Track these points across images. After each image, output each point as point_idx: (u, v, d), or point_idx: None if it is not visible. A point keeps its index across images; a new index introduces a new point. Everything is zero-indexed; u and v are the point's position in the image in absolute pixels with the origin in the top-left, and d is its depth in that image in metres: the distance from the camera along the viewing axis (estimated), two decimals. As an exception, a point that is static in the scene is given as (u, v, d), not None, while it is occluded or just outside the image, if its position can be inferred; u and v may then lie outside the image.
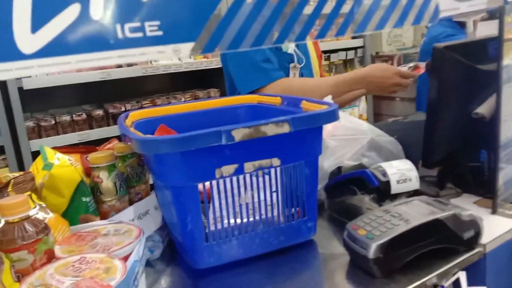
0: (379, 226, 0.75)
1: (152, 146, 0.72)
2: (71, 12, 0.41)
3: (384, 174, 0.89)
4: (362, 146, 1.10)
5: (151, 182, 1.02)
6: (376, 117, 3.74)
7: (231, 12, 0.48)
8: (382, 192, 0.90)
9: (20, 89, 2.34)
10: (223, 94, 3.11)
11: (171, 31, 0.46)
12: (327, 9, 0.57)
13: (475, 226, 0.79)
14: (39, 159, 0.90)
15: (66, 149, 0.98)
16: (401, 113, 3.28)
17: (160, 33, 0.45)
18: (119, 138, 1.10)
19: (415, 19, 0.65)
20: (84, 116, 2.52)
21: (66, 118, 2.49)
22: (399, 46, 3.97)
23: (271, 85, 1.45)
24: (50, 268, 0.60)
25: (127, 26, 0.44)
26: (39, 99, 2.68)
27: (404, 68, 1.48)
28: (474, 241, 0.79)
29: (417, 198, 0.83)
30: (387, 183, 0.89)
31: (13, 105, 2.37)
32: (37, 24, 0.40)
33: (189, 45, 0.47)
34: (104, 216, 0.88)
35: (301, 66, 1.58)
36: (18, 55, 0.40)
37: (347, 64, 3.83)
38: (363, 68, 1.58)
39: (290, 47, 1.57)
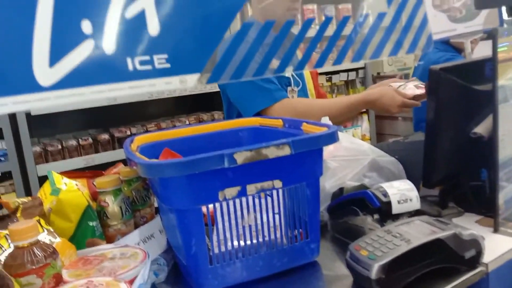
0: (381, 246, 0.76)
1: (157, 170, 0.74)
2: (86, 47, 0.44)
3: (385, 194, 0.91)
4: (363, 167, 1.11)
5: (155, 205, 1.04)
6: (378, 137, 3.75)
7: (233, 45, 0.50)
8: (384, 213, 0.91)
9: (28, 115, 2.39)
10: (227, 116, 3.14)
11: (178, 63, 0.48)
12: (325, 39, 0.60)
13: (476, 245, 0.80)
14: (46, 184, 0.92)
15: (73, 174, 1.01)
16: (403, 132, 3.29)
17: (167, 65, 0.48)
18: (124, 162, 1.12)
19: (409, 48, 0.68)
20: (90, 140, 2.56)
21: (73, 142, 2.53)
22: (400, 67, 4.02)
23: (275, 105, 1.47)
24: (58, 292, 0.61)
25: (137, 59, 0.47)
26: (46, 124, 2.73)
27: (409, 91, 1.50)
28: (475, 261, 0.80)
29: (418, 218, 0.84)
30: (388, 204, 0.90)
31: (20, 131, 2.42)
32: (54, 58, 0.43)
33: (195, 76, 0.49)
34: (110, 239, 0.90)
35: (298, 89, 1.61)
36: (36, 88, 0.42)
37: (348, 85, 3.87)
38: (370, 91, 1.60)
39: (288, 70, 1.60)
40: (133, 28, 0.47)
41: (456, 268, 0.79)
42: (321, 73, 3.54)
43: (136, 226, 0.95)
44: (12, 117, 2.44)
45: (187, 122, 2.96)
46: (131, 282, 0.64)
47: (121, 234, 0.90)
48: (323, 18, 3.39)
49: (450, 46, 2.54)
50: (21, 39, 0.42)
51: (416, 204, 0.91)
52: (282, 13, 1.49)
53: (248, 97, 1.50)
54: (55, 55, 0.44)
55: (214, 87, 3.01)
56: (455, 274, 0.79)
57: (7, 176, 2.54)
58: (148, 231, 0.92)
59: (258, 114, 1.48)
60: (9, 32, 0.42)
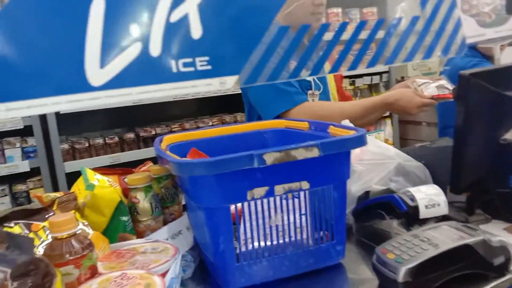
0: (408, 250, 0.76)
1: (189, 168, 0.76)
2: (134, 50, 0.47)
3: (413, 199, 0.90)
4: (389, 171, 1.11)
5: (183, 203, 1.06)
6: (402, 142, 3.72)
7: (271, 48, 0.52)
8: (411, 217, 0.91)
9: (57, 113, 2.46)
10: (249, 118, 3.17)
11: (218, 65, 0.50)
12: (359, 42, 0.60)
13: (505, 252, 0.79)
14: (80, 180, 0.95)
15: (104, 170, 1.04)
16: (426, 138, 3.26)
17: (208, 67, 0.50)
18: (152, 160, 1.15)
19: (443, 51, 0.68)
20: (116, 139, 2.62)
21: (99, 141, 2.59)
22: (424, 71, 3.97)
23: (295, 109, 1.48)
24: (94, 283, 0.64)
25: (181, 61, 0.49)
26: (74, 123, 2.80)
27: (428, 91, 1.49)
28: (504, 268, 0.79)
29: (446, 223, 0.84)
30: (416, 208, 0.90)
31: (50, 128, 2.49)
32: (105, 60, 0.45)
33: (234, 78, 0.51)
34: (140, 235, 0.92)
35: (319, 92, 1.61)
36: (89, 87, 0.45)
37: (372, 88, 3.85)
38: (389, 92, 1.59)
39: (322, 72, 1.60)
40: (177, 31, 0.49)
41: (484, 274, 0.78)
42: (344, 77, 3.53)
43: (165, 223, 0.97)
44: (42, 115, 2.52)
45: (210, 123, 3.00)
46: (163, 275, 0.66)
47: (151, 230, 0.93)
48: (348, 21, 3.38)
49: (477, 52, 2.51)
50: (75, 42, 0.45)
51: (444, 209, 0.90)
52: (306, 17, 1.50)
53: (268, 100, 1.51)
54: (106, 57, 0.46)
55: (237, 89, 3.05)
56: (483, 280, 0.78)
57: (35, 172, 2.62)
58: (176, 228, 0.94)
59: (278, 117, 1.49)
60: (64, 36, 0.45)
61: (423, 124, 3.63)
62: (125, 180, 1.00)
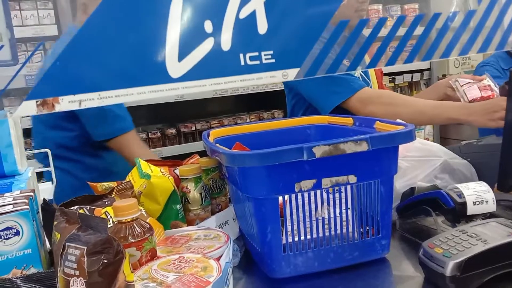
0: (456, 245, 0.77)
1: (241, 159, 0.80)
2: (207, 45, 0.51)
3: (460, 195, 0.90)
4: (435, 168, 1.11)
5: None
6: (442, 141, 3.63)
7: (330, 42, 0.54)
8: (458, 213, 0.91)
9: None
10: (286, 115, 3.19)
11: (281, 59, 0.54)
12: (398, 38, 0.62)
13: (556, 250, 0.78)
14: (134, 170, 1.01)
15: (156, 162, 1.09)
16: (468, 137, 3.17)
17: (272, 60, 0.53)
18: (199, 153, 1.20)
19: (499, 45, 0.68)
20: (158, 134, 2.70)
21: (143, 135, 2.68)
22: (467, 69, 3.86)
23: (356, 96, 1.46)
24: (154, 265, 0.68)
25: (248, 55, 0.53)
26: (119, 118, 2.90)
27: (471, 93, 1.44)
28: (555, 266, 0.78)
29: (495, 219, 0.83)
30: (464, 204, 0.89)
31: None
32: (182, 54, 0.50)
33: (295, 71, 0.54)
34: (190, 223, 0.97)
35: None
36: (168, 79, 0.49)
37: (412, 86, 3.78)
38: (462, 110, 1.45)
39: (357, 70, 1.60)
40: (246, 27, 0.52)
41: (534, 272, 0.78)
42: (384, 74, 3.48)
43: (212, 213, 1.01)
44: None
45: (248, 120, 3.04)
46: (217, 260, 0.69)
47: (200, 219, 0.97)
48: (388, 17, 3.34)
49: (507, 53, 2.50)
50: (158, 39, 0.49)
51: (492, 206, 0.90)
52: (350, 14, 1.51)
53: (327, 91, 1.49)
54: (183, 51, 0.50)
55: (274, 86, 3.07)
56: (532, 278, 0.77)
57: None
58: (223, 218, 0.98)
59: (339, 108, 1.48)
60: (148, 33, 0.49)
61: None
62: (176, 171, 1.04)
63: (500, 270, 0.75)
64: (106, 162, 1.66)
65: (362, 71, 1.63)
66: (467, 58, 3.97)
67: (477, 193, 0.90)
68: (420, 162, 1.10)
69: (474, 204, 0.89)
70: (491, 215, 0.92)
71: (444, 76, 3.91)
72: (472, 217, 0.91)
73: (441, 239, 0.80)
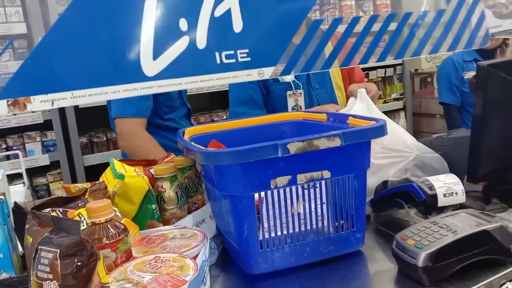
0: (428, 236, 0.79)
1: (216, 157, 0.80)
2: (182, 43, 0.50)
3: (431, 187, 0.93)
4: (406, 163, 1.13)
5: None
6: (415, 134, 3.71)
7: (304, 40, 0.55)
8: (429, 205, 0.94)
9: (76, 108, 2.52)
10: (263, 111, 3.20)
11: (257, 57, 0.54)
12: (389, 33, 0.63)
13: (522, 238, 0.81)
14: (108, 170, 1.00)
15: (129, 162, 1.08)
16: (440, 130, 3.26)
17: (248, 59, 0.54)
18: (175, 152, 1.19)
19: (467, 44, 0.70)
20: (133, 132, 2.66)
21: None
22: (438, 63, 3.95)
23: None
24: (130, 266, 0.68)
25: (224, 53, 0.53)
26: (92, 117, 2.86)
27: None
28: (522, 253, 0.81)
29: (464, 210, 0.86)
30: (434, 196, 0.92)
31: (68, 123, 2.55)
32: (157, 52, 0.49)
33: (271, 69, 0.55)
34: (166, 223, 0.96)
35: (299, 91, 1.61)
36: (143, 78, 0.49)
37: (386, 81, 3.84)
38: None
39: (287, 77, 1.62)
40: (221, 25, 0.52)
41: (502, 260, 0.81)
42: (358, 70, 3.53)
43: (189, 212, 1.01)
44: (61, 110, 2.57)
45: (224, 117, 3.03)
46: (193, 259, 0.69)
47: (176, 218, 0.97)
48: (361, 13, 3.38)
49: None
50: (132, 37, 0.49)
51: (461, 198, 0.92)
52: None
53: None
54: (158, 49, 0.50)
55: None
56: (500, 265, 0.80)
57: (55, 165, 2.69)
58: (200, 216, 0.98)
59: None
60: (122, 31, 0.48)
61: (437, 117, 3.62)
62: (150, 170, 1.03)
63: (470, 259, 0.78)
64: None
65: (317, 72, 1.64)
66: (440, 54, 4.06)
67: (447, 185, 0.93)
68: (393, 158, 1.12)
69: (444, 196, 0.92)
70: (461, 206, 0.94)
71: (416, 70, 3.99)
72: (442, 209, 0.94)
73: (413, 230, 0.82)
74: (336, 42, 0.63)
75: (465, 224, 0.80)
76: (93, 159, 2.61)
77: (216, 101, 3.35)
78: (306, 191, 0.87)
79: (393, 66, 3.74)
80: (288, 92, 1.59)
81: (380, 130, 0.86)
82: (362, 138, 0.85)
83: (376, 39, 0.61)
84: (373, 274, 0.88)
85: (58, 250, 0.54)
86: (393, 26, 0.69)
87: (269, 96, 1.62)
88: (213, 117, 3.01)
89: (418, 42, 0.64)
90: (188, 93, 2.93)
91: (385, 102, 3.70)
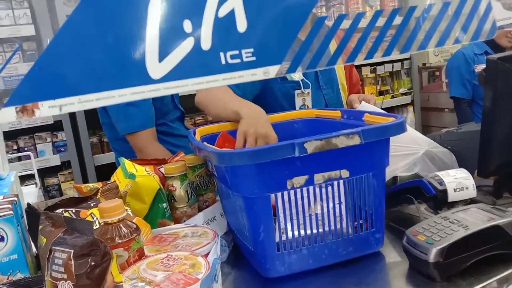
0: (439, 232, 0.79)
1: (229, 158, 0.77)
2: (187, 44, 0.51)
3: (441, 183, 0.92)
4: (416, 158, 1.13)
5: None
6: (424, 129, 3.69)
7: (309, 38, 0.55)
8: (439, 201, 0.93)
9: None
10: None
11: (261, 56, 0.54)
12: (394, 28, 0.63)
13: (534, 233, 0.80)
14: (119, 170, 1.00)
15: (140, 161, 1.09)
16: (449, 124, 3.24)
17: (253, 58, 0.54)
18: (185, 151, 1.20)
19: (473, 36, 0.70)
20: (142, 132, 2.67)
21: (126, 134, 2.65)
22: (446, 57, 3.92)
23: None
24: (143, 264, 0.69)
25: (228, 54, 0.53)
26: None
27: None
28: (534, 248, 0.80)
29: (475, 205, 0.85)
30: (444, 192, 0.91)
31: (78, 123, 2.57)
32: (162, 54, 0.50)
33: (276, 68, 0.55)
34: (177, 221, 0.97)
35: (307, 91, 1.59)
36: (149, 80, 0.49)
37: (393, 76, 3.82)
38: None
39: (296, 75, 1.61)
40: (225, 25, 0.53)
41: (514, 255, 0.80)
42: (365, 65, 3.51)
43: (199, 210, 1.02)
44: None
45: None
46: (205, 256, 0.70)
47: (187, 216, 0.97)
48: (367, 8, 3.36)
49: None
50: (137, 40, 0.49)
51: (472, 192, 0.92)
52: None
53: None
54: (163, 52, 0.50)
55: (258, 80, 3.06)
56: (512, 261, 0.80)
57: (66, 165, 2.72)
58: (211, 214, 0.99)
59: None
60: (127, 34, 0.49)
61: (445, 111, 3.59)
62: (161, 169, 1.04)
63: (481, 254, 0.77)
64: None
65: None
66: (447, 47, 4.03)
67: (458, 180, 0.92)
68: (402, 152, 1.12)
69: (455, 191, 0.91)
70: (471, 201, 0.94)
71: (424, 64, 3.96)
72: (453, 204, 0.93)
73: (424, 226, 0.82)
74: (339, 40, 0.62)
75: (476, 219, 0.80)
76: (103, 158, 2.63)
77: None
78: (323, 191, 0.84)
79: (401, 60, 3.71)
80: (297, 91, 1.58)
81: (400, 127, 0.83)
82: (382, 135, 0.82)
83: (382, 34, 0.61)
84: (384, 270, 0.88)
85: (72, 251, 0.55)
86: (398, 20, 0.68)
87: (273, 95, 1.62)
88: (207, 118, 3.01)
89: (424, 36, 0.64)
90: (195, 92, 2.95)
91: (393, 97, 3.68)
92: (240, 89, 1.47)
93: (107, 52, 0.48)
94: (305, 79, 1.59)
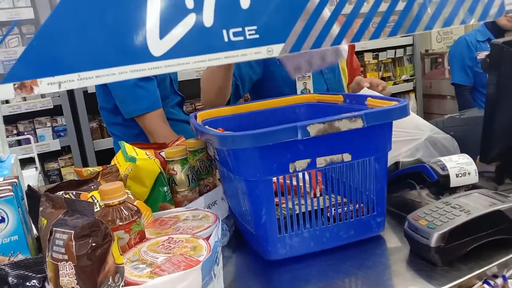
0: (440, 216, 0.78)
1: (232, 141, 0.76)
2: (189, 21, 0.49)
3: (443, 168, 0.92)
4: (418, 143, 1.12)
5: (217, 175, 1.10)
6: (426, 116, 3.68)
7: (313, 16, 0.54)
8: (441, 186, 0.93)
9: (85, 93, 2.52)
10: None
11: (265, 34, 0.53)
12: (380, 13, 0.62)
13: (536, 218, 0.80)
14: (119, 153, 1.00)
15: (141, 145, 1.08)
16: (451, 111, 3.23)
17: (256, 36, 0.52)
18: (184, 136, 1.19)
19: (481, 16, 0.68)
20: (142, 117, 2.66)
21: (126, 118, 2.64)
22: (449, 43, 3.89)
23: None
24: (143, 246, 0.68)
25: (231, 31, 0.51)
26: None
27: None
28: (535, 233, 0.80)
29: (477, 190, 0.85)
30: (447, 177, 0.91)
31: (78, 108, 2.56)
32: (164, 31, 0.49)
33: (280, 46, 0.53)
34: (178, 205, 0.97)
35: (308, 74, 1.58)
36: (150, 57, 0.48)
37: (396, 62, 3.79)
38: None
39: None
40: (228, 2, 0.51)
41: (515, 240, 0.80)
42: (367, 51, 3.48)
43: (200, 194, 1.01)
44: (70, 95, 2.58)
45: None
46: (206, 240, 0.70)
47: (188, 200, 0.97)
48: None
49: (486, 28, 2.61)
50: (137, 16, 0.48)
51: (474, 178, 0.92)
52: None
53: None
54: (165, 28, 0.49)
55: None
56: (514, 246, 0.80)
57: (66, 150, 2.71)
58: (212, 198, 0.99)
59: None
60: (127, 11, 0.48)
61: (447, 98, 3.58)
62: (161, 153, 1.04)
63: (483, 239, 0.77)
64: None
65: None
66: (449, 33, 3.99)
67: (460, 166, 0.92)
68: (404, 138, 1.11)
69: (457, 176, 0.91)
70: (473, 187, 0.94)
71: (427, 51, 3.93)
72: (455, 189, 0.93)
73: (425, 211, 0.82)
74: (344, 21, 0.61)
75: (478, 204, 0.80)
76: (103, 143, 2.63)
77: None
78: (325, 175, 0.84)
79: (403, 47, 3.68)
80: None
81: (403, 110, 0.82)
82: (385, 119, 0.82)
83: (387, 14, 0.59)
84: (385, 254, 0.88)
85: (73, 231, 0.54)
86: (402, 3, 0.67)
87: (273, 80, 1.60)
88: None
89: (430, 16, 0.62)
90: (196, 77, 2.93)
91: (395, 83, 3.66)
92: (236, 76, 1.47)
93: (106, 29, 0.47)
94: None
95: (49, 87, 0.46)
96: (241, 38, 0.52)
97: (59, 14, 0.46)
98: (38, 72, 0.46)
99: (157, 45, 0.48)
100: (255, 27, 0.52)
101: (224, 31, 0.51)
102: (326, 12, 0.55)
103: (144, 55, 0.48)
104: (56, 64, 0.47)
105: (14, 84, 0.45)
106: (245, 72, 1.54)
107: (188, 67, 0.50)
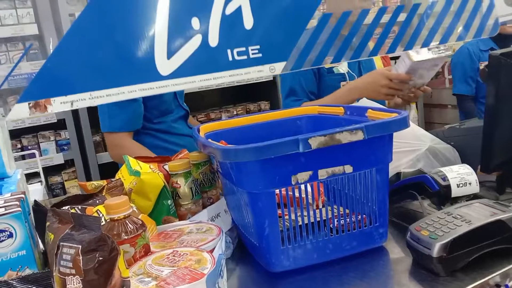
0: (442, 227, 0.79)
1: (234, 154, 0.78)
2: (195, 41, 0.51)
3: (444, 178, 0.93)
4: (419, 154, 1.13)
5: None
6: (427, 125, 3.69)
7: (314, 34, 0.56)
8: (442, 196, 0.94)
9: (88, 107, 2.53)
10: (272, 106, 3.20)
11: (268, 53, 0.55)
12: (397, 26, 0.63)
13: (537, 228, 0.80)
14: (123, 167, 1.01)
15: (144, 159, 1.09)
16: (452, 121, 3.24)
17: (259, 55, 0.54)
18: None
19: (477, 33, 0.70)
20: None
21: (129, 131, 2.65)
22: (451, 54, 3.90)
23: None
24: (149, 260, 0.69)
25: (235, 50, 0.54)
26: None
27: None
28: (537, 243, 0.81)
29: (478, 200, 0.86)
30: (448, 187, 0.92)
31: (82, 122, 2.58)
32: (171, 51, 0.50)
33: (282, 64, 0.55)
34: (181, 218, 0.98)
35: None
36: (158, 77, 0.50)
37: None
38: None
39: (342, 68, 1.64)
40: (232, 22, 0.53)
41: (517, 249, 0.81)
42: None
43: (204, 206, 1.02)
44: (74, 110, 2.60)
45: (235, 113, 3.04)
46: (210, 252, 0.71)
47: (191, 213, 0.98)
48: (373, 6, 3.36)
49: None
50: (146, 37, 0.50)
51: (475, 188, 0.92)
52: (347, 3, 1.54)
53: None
54: (172, 49, 0.51)
55: (260, 78, 3.07)
56: (516, 255, 0.80)
57: (69, 164, 2.73)
58: (215, 211, 0.99)
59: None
60: (136, 32, 0.49)
61: (448, 107, 3.59)
62: (165, 167, 1.05)
63: (485, 249, 0.78)
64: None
65: (364, 63, 1.67)
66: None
67: (461, 176, 0.93)
68: (405, 149, 1.12)
69: (458, 187, 0.92)
70: (474, 196, 0.94)
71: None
72: (456, 199, 0.94)
73: (427, 221, 0.82)
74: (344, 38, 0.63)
75: (479, 214, 0.81)
76: (106, 157, 2.64)
77: (226, 97, 3.36)
78: (327, 186, 0.85)
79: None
80: (342, 83, 1.61)
81: (403, 122, 0.83)
82: (386, 130, 0.83)
83: (386, 31, 0.61)
84: (388, 265, 0.88)
85: (80, 246, 0.55)
86: (402, 17, 0.69)
87: (321, 87, 1.65)
88: (223, 113, 3.03)
89: (427, 32, 0.64)
90: (197, 89, 2.96)
91: (395, 93, 3.67)
92: (303, 89, 1.52)
93: (117, 49, 0.49)
94: (350, 71, 1.62)
95: (62, 105, 0.48)
96: (245, 57, 0.54)
97: (71, 37, 0.48)
98: (51, 91, 0.48)
99: (165, 65, 0.50)
100: (258, 46, 0.54)
101: (229, 51, 0.53)
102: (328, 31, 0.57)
103: (152, 74, 0.50)
104: (69, 84, 0.49)
105: (29, 104, 0.47)
106: (308, 86, 1.63)
107: (194, 85, 0.51)
